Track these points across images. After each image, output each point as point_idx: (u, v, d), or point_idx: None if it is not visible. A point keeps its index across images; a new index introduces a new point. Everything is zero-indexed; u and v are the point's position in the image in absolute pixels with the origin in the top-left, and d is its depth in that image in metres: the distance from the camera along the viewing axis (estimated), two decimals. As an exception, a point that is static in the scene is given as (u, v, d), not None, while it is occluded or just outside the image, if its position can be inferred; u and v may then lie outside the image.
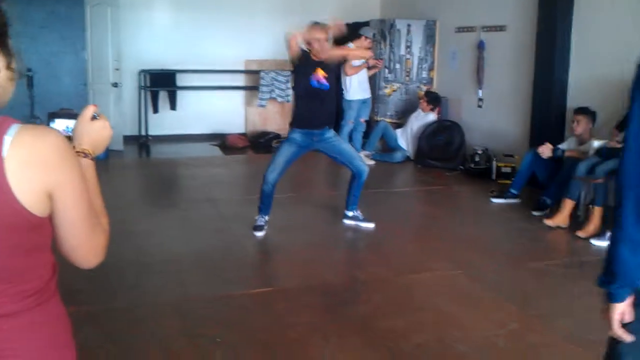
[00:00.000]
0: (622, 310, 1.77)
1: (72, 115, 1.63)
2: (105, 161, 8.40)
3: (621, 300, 1.77)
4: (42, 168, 1.25)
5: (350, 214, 5.89)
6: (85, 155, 1.51)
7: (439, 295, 4.28)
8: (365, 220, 5.88)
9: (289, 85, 10.50)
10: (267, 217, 5.63)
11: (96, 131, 1.55)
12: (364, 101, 8.71)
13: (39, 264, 1.34)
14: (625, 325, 1.79)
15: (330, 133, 5.52)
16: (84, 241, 1.35)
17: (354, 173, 5.69)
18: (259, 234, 5.54)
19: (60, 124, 1.65)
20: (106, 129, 1.58)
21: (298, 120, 5.44)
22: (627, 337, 1.78)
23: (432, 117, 8.97)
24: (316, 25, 5.34)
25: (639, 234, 1.69)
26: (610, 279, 1.76)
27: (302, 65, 5.32)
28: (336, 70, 5.59)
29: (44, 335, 1.35)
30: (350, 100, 8.57)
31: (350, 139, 8.75)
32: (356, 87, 8.53)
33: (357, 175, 5.66)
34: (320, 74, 5.32)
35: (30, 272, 1.32)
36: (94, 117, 1.57)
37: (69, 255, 1.37)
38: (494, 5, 8.49)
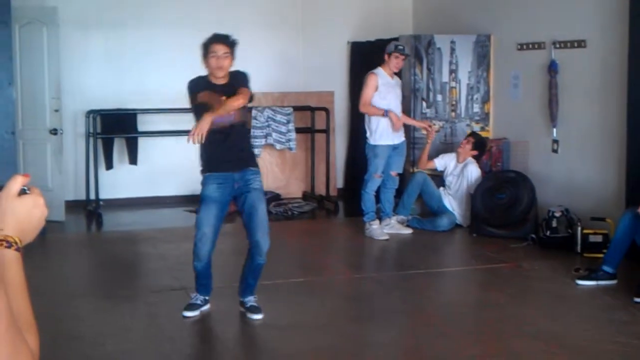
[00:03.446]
0: None
1: None
2: (40, 237, 8.39)
3: None
4: None
5: (241, 300, 6.03)
6: (9, 244, 1.49)
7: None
8: (253, 309, 5.90)
9: (291, 126, 10.59)
10: (207, 297, 5.97)
11: (25, 211, 1.54)
12: (395, 147, 8.71)
13: None
14: None
15: (257, 179, 5.78)
16: None
17: (250, 248, 5.83)
18: (191, 314, 5.85)
19: None
20: (38, 207, 1.56)
21: (207, 163, 5.79)
22: None
23: (473, 170, 9.02)
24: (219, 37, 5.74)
25: None
26: None
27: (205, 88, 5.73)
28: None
29: None
30: (375, 146, 8.59)
31: (378, 199, 8.76)
32: (385, 128, 8.55)
33: (253, 253, 5.79)
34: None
35: None
36: (23, 192, 1.55)
37: None
38: (569, 13, 8.58)
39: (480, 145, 9.25)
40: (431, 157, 9.37)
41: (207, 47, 5.66)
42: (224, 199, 5.77)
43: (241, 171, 5.73)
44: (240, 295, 6.00)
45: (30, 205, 1.55)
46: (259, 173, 5.87)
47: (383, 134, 8.57)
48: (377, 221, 8.69)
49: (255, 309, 5.92)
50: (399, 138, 8.72)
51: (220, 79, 5.67)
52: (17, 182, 1.55)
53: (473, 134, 9.46)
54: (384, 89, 8.53)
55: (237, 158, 5.75)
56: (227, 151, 5.70)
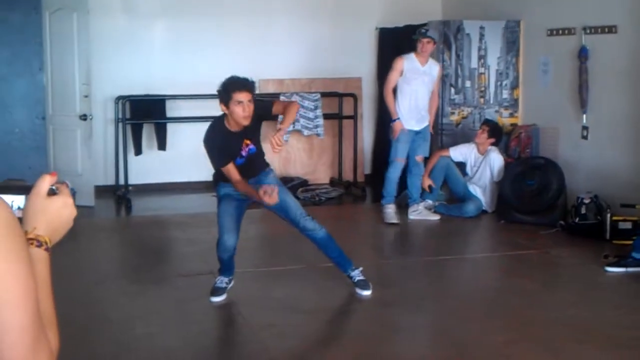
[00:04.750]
0: None
1: (22, 188, 1.62)
2: (70, 222, 8.48)
3: None
4: None
5: (346, 275, 6.15)
6: (39, 244, 1.51)
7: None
8: (359, 284, 6.06)
9: (319, 112, 10.58)
10: (230, 278, 6.04)
11: (55, 211, 1.57)
12: (417, 132, 8.68)
13: None
14: None
15: (270, 178, 5.85)
16: (22, 357, 1.33)
17: (302, 233, 5.95)
18: (217, 299, 5.91)
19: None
20: (67, 207, 1.59)
21: (224, 178, 5.78)
22: None
23: (496, 158, 9.01)
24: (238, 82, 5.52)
25: None
26: None
27: (225, 146, 5.63)
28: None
29: None
30: (396, 129, 8.61)
31: (405, 186, 8.75)
32: (407, 112, 8.54)
33: (307, 235, 5.93)
34: (246, 144, 5.68)
35: None
36: (51, 191, 1.58)
37: None
38: (600, -2, 8.52)
39: (495, 132, 9.19)
40: (449, 145, 9.39)
41: (229, 94, 5.42)
42: (242, 197, 5.80)
43: (255, 177, 5.79)
44: (343, 272, 6.13)
45: (60, 206, 1.57)
46: (271, 170, 5.96)
47: (404, 118, 8.56)
48: (392, 205, 8.67)
49: (361, 284, 6.07)
50: (420, 124, 8.70)
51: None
52: (45, 182, 1.58)
53: (487, 121, 9.41)
54: (409, 75, 8.51)
55: (253, 172, 5.79)
56: (247, 172, 5.68)
